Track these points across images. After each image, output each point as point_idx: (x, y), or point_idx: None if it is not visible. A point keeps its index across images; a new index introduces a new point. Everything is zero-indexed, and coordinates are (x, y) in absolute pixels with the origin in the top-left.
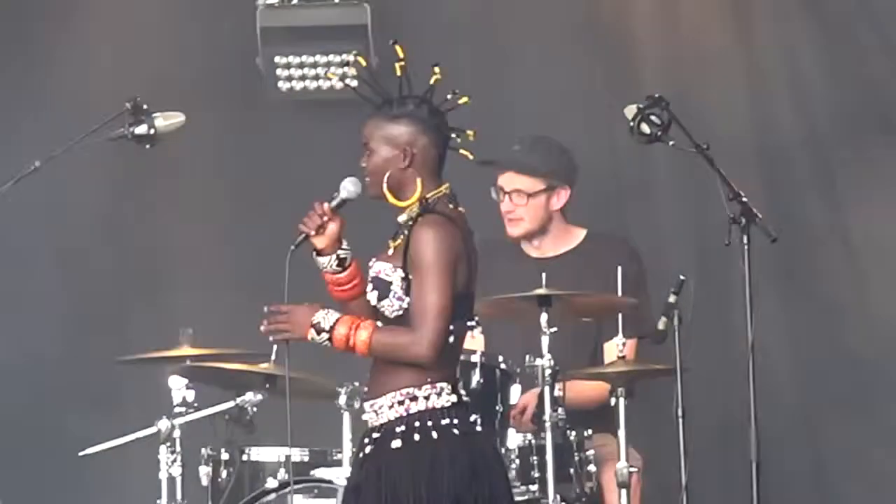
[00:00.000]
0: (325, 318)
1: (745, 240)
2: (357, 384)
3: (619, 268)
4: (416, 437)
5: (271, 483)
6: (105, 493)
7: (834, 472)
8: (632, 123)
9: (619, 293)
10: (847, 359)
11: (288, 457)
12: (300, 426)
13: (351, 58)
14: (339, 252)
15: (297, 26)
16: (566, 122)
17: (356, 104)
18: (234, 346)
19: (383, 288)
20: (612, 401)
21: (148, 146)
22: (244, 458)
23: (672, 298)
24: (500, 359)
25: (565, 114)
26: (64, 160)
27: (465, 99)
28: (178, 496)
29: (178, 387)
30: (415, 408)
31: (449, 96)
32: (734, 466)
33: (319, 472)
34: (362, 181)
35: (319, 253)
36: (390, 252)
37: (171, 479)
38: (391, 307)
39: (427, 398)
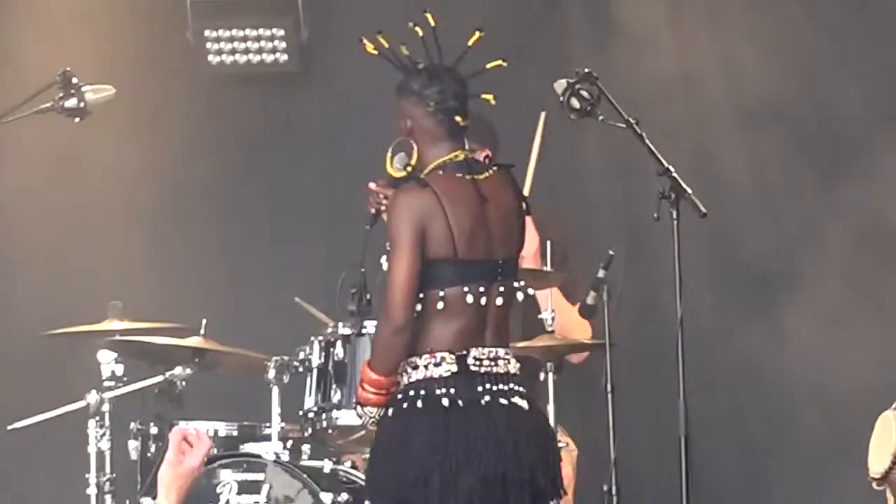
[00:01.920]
0: (358, 414)
1: (674, 215)
2: (286, 358)
3: (549, 242)
4: (405, 405)
5: None
6: (34, 468)
7: (763, 447)
8: (562, 98)
9: (549, 267)
10: (777, 333)
11: (216, 431)
12: (229, 400)
13: (281, 32)
14: None
15: (227, 0)
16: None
17: (286, 78)
18: (164, 320)
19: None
20: (542, 376)
21: (77, 119)
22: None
23: (601, 273)
24: None
25: (494, 89)
26: None
27: (496, 62)
28: (107, 470)
29: (107, 361)
30: (414, 376)
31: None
32: (664, 441)
33: (248, 447)
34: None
35: None
36: None
37: (101, 454)
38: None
39: (426, 367)
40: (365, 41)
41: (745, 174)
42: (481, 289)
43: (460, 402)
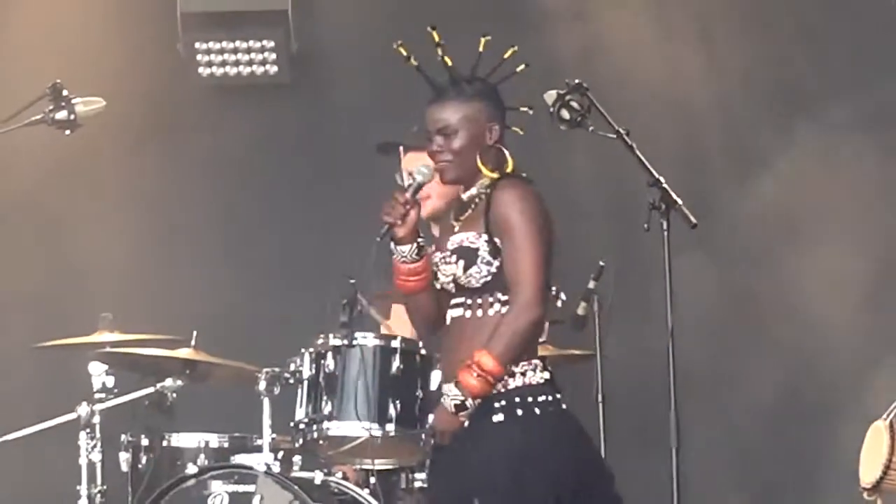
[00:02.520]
0: (453, 396)
1: (664, 225)
2: (277, 370)
3: None
4: (519, 411)
5: (191, 469)
6: (25, 480)
7: (754, 455)
8: (552, 109)
9: None
10: (767, 340)
11: (207, 442)
12: (220, 412)
13: (272, 43)
14: (419, 240)
15: (218, 11)
16: None
17: (276, 89)
18: (154, 332)
19: (470, 256)
20: None
21: (68, 131)
22: (164, 443)
23: (592, 284)
24: (420, 344)
25: None
26: None
27: (521, 67)
28: (98, 482)
29: (98, 372)
30: (512, 383)
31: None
32: (655, 452)
33: (239, 458)
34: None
35: (399, 242)
36: (456, 229)
37: (91, 465)
38: (479, 274)
39: (524, 374)
40: (402, 49)
41: (734, 181)
42: (556, 294)
43: (559, 409)
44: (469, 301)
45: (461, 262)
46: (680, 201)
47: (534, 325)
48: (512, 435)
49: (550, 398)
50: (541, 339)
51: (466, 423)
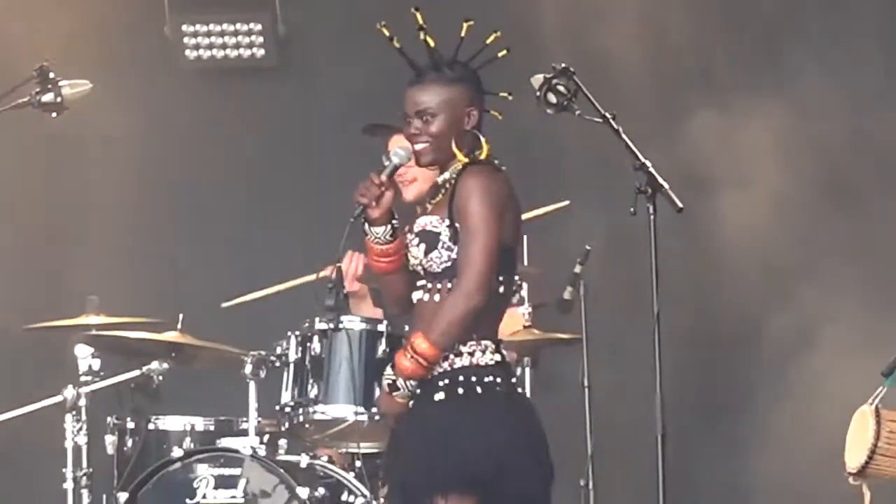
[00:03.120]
0: (387, 376)
1: (650, 209)
2: (263, 353)
3: (525, 236)
4: (460, 390)
5: (176, 452)
6: (10, 463)
7: (740, 443)
8: (538, 93)
9: (525, 262)
10: (756, 328)
11: (193, 426)
12: (206, 395)
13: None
14: (393, 222)
15: None
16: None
17: (263, 73)
18: (140, 315)
19: (431, 240)
20: (518, 370)
21: (54, 114)
22: (150, 427)
23: (578, 268)
24: (406, 328)
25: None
26: None
27: (503, 52)
28: (84, 465)
29: (84, 355)
30: (458, 363)
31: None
32: (640, 437)
33: (225, 441)
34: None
35: (372, 223)
36: (429, 208)
37: (77, 448)
38: (439, 259)
39: (472, 354)
40: (384, 30)
41: (723, 162)
42: (508, 278)
43: (506, 391)
44: (430, 285)
45: (422, 246)
46: (666, 185)
47: (472, 312)
48: (449, 412)
49: (498, 380)
50: (526, 324)
51: (412, 403)
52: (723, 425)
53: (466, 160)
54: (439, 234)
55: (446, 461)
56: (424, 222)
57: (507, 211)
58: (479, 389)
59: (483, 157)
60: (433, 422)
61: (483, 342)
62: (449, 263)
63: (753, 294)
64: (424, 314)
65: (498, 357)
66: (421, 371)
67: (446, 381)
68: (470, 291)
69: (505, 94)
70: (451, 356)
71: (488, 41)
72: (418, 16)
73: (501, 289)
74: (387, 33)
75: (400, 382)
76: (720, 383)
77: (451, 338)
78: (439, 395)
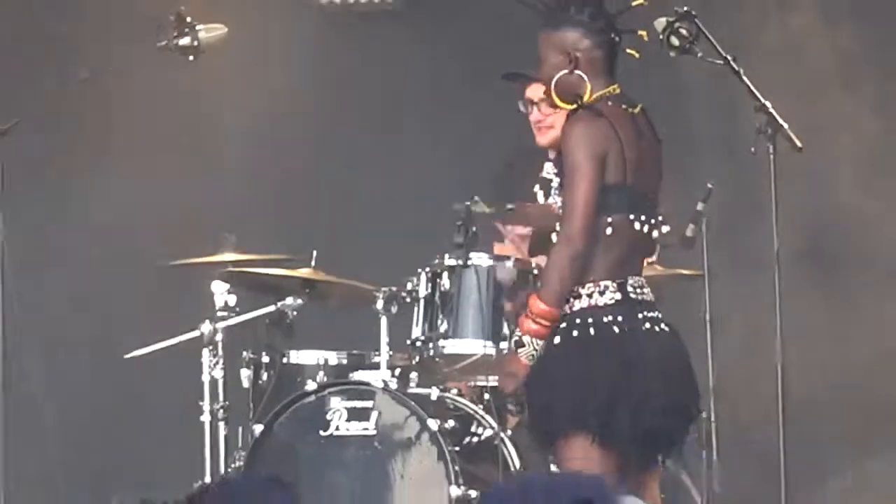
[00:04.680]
0: (514, 332)
1: (770, 149)
2: (394, 289)
3: None
4: (574, 332)
5: (310, 385)
6: (150, 396)
7: (860, 373)
8: (661, 36)
9: None
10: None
11: (326, 360)
12: (339, 330)
13: None
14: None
15: None
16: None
17: (392, 15)
18: (275, 252)
19: (546, 187)
20: None
21: (191, 57)
22: (284, 361)
23: (700, 206)
24: (534, 263)
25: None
26: (114, 72)
27: (639, 0)
28: (221, 398)
29: (220, 291)
30: (577, 305)
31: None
32: (761, 369)
33: (357, 375)
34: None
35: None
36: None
37: (214, 382)
38: (555, 205)
39: (590, 296)
40: None
41: (846, 104)
42: (643, 217)
43: (626, 329)
44: (558, 227)
45: (541, 193)
46: (786, 125)
47: (577, 258)
48: (563, 356)
49: (619, 318)
50: (650, 260)
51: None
52: (839, 348)
53: (570, 107)
54: (551, 181)
55: (559, 406)
56: (546, 169)
57: (611, 152)
58: (591, 331)
59: (584, 101)
60: (551, 366)
61: (602, 283)
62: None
63: (869, 216)
64: None
65: (618, 296)
66: (543, 330)
67: (564, 324)
68: (570, 237)
69: (642, 33)
70: (572, 299)
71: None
72: None
73: (609, 229)
74: None
75: (525, 339)
76: (834, 304)
77: (563, 289)
78: (556, 339)
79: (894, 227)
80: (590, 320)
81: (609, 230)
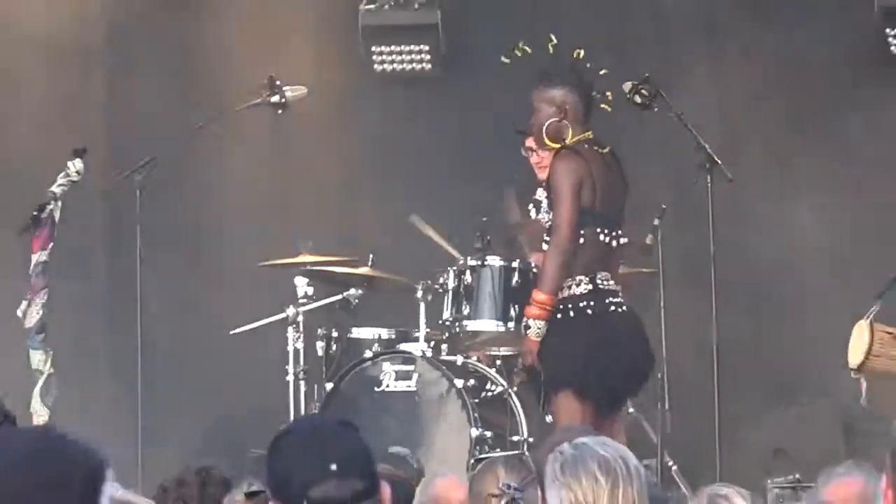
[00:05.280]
0: (526, 321)
1: (708, 180)
2: (430, 282)
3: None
4: (559, 315)
5: (367, 354)
6: (248, 363)
7: (787, 343)
8: (628, 95)
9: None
10: (793, 261)
11: (380, 335)
12: (389, 313)
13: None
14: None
15: (388, 24)
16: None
17: (429, 81)
18: (343, 254)
19: (538, 206)
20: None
21: (279, 111)
22: (348, 336)
23: (656, 221)
24: (533, 264)
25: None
26: (226, 120)
27: (603, 70)
28: (301, 363)
29: (301, 284)
30: (562, 295)
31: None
32: (699, 343)
33: (403, 346)
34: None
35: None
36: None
37: (296, 351)
38: (544, 220)
39: (569, 287)
40: (520, 48)
41: (758, 149)
42: (606, 231)
43: (597, 311)
44: (547, 237)
45: (533, 210)
46: (720, 162)
47: (564, 259)
48: (550, 332)
49: (591, 303)
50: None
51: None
52: (769, 334)
53: (556, 146)
54: (541, 202)
55: (548, 368)
56: (539, 192)
57: (585, 182)
58: (571, 313)
59: (567, 143)
60: (544, 340)
61: (578, 277)
62: (550, 223)
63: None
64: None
65: (590, 287)
66: (544, 313)
67: (554, 310)
68: (559, 244)
69: (608, 94)
70: (559, 293)
71: (577, 56)
72: (552, 37)
73: (582, 239)
74: (526, 50)
75: (531, 322)
76: (765, 309)
77: (556, 282)
78: (551, 321)
79: (801, 232)
80: (569, 305)
81: (582, 240)
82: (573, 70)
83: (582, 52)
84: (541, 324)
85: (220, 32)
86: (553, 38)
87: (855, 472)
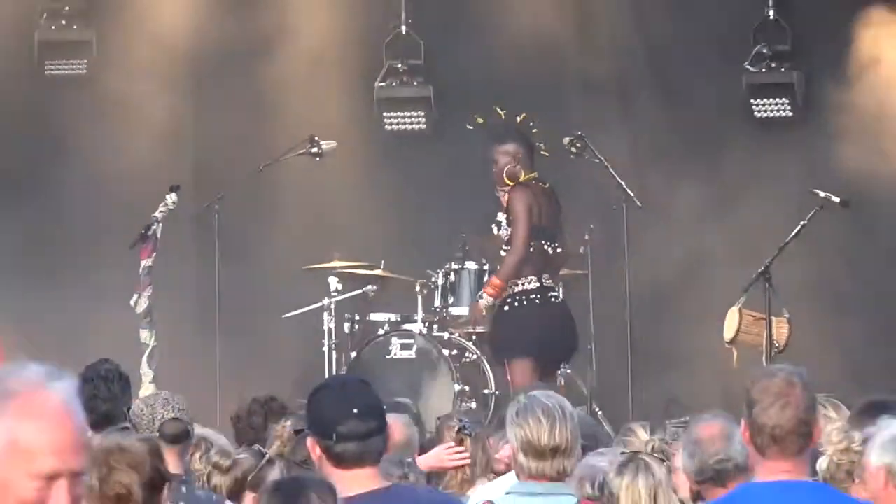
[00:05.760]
0: (479, 295)
1: (624, 207)
2: (425, 280)
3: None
4: (515, 304)
5: (380, 331)
6: (293, 341)
7: (686, 315)
8: (566, 147)
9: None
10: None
11: (390, 318)
12: (395, 302)
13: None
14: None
15: (396, 97)
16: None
17: (429, 137)
18: (363, 260)
19: (499, 225)
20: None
21: (317, 159)
22: (367, 318)
23: (587, 237)
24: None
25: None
26: (274, 168)
27: (534, 131)
28: (333, 338)
29: (333, 282)
30: (515, 289)
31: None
32: (617, 320)
33: (406, 326)
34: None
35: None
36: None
37: (330, 330)
38: (503, 235)
39: (520, 284)
40: (479, 119)
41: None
42: (548, 243)
43: (540, 301)
44: (505, 247)
45: (495, 227)
46: (632, 194)
47: (519, 262)
48: (503, 316)
49: (537, 296)
50: (563, 266)
51: (494, 312)
52: (669, 317)
53: (511, 183)
54: (501, 221)
55: (501, 343)
56: (499, 215)
57: (534, 206)
58: (524, 303)
59: (521, 180)
60: (497, 321)
61: (528, 277)
62: (509, 236)
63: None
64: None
65: (537, 283)
66: (495, 293)
67: (509, 299)
68: (515, 251)
69: (541, 146)
70: (513, 286)
71: (519, 119)
72: (500, 111)
73: (532, 248)
74: (492, 118)
75: (484, 296)
76: (665, 298)
77: (509, 275)
78: (505, 307)
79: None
80: (520, 297)
81: (532, 249)
82: (519, 130)
83: (524, 115)
84: (490, 300)
85: (279, 89)
86: (500, 111)
87: (719, 417)
